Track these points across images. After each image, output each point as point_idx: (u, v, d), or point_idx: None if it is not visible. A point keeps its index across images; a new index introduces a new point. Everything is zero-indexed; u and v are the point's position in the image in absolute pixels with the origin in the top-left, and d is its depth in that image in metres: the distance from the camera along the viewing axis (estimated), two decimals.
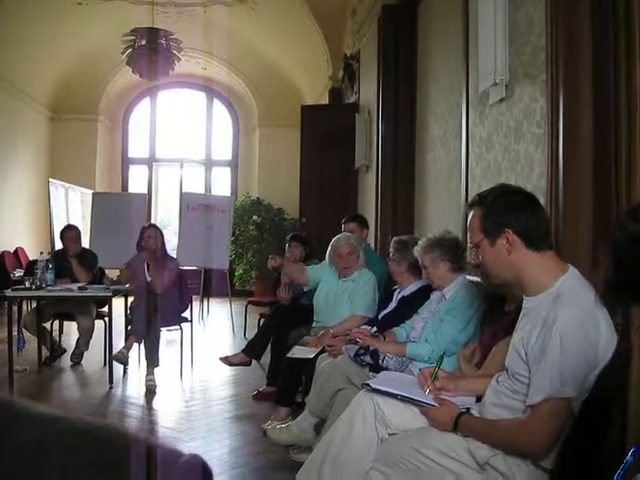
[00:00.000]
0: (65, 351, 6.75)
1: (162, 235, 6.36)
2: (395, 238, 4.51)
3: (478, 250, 2.27)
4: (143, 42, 9.20)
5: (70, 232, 6.73)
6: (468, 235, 2.39)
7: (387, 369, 3.45)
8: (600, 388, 2.04)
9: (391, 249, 4.40)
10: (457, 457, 2.20)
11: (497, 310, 3.05)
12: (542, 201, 3.29)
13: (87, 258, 6.70)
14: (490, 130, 4.22)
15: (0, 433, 0.58)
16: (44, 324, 6.46)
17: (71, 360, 6.56)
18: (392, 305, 4.37)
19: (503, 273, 2.25)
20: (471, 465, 2.18)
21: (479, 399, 2.43)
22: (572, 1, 2.97)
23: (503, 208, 2.22)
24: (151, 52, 9.14)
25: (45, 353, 6.46)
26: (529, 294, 2.20)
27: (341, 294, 4.85)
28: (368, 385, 2.62)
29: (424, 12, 6.37)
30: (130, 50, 9.32)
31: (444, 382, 2.58)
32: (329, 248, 4.97)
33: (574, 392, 1.99)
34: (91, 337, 6.48)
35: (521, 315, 2.24)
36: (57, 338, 6.87)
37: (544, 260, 2.18)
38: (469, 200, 2.43)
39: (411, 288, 4.26)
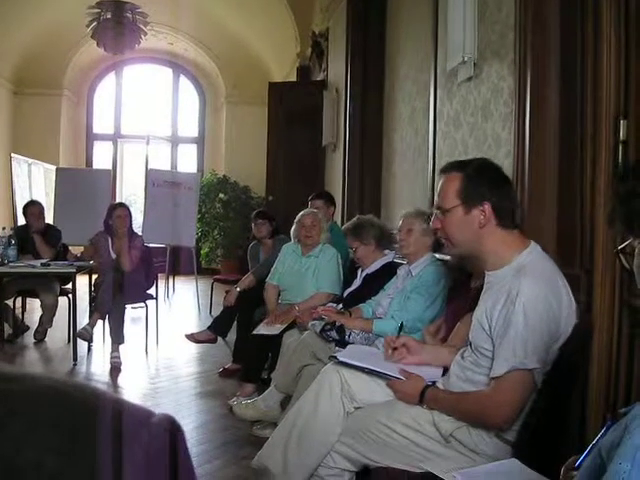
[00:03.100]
0: (28, 328, 6.67)
1: (130, 214, 6.30)
2: (345, 227, 4.48)
3: (445, 214, 2.24)
4: (108, 15, 9.08)
5: (33, 208, 6.63)
6: (435, 199, 2.34)
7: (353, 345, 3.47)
8: (563, 362, 2.08)
9: (350, 237, 4.31)
10: (422, 430, 2.22)
11: (463, 286, 3.08)
12: None
13: (50, 234, 6.62)
14: (458, 108, 4.23)
15: None
16: (7, 301, 6.37)
17: (34, 337, 6.48)
18: (357, 283, 4.39)
19: (466, 243, 2.25)
20: (436, 438, 2.20)
21: (444, 373, 2.46)
22: None
23: (488, 180, 2.22)
24: (116, 26, 9.02)
25: (8, 330, 6.37)
26: (491, 268, 2.22)
27: (305, 271, 4.84)
28: (335, 357, 2.63)
29: None
30: (95, 23, 9.19)
31: (405, 339, 2.61)
32: (295, 222, 4.96)
33: (537, 363, 2.02)
34: (54, 314, 6.42)
35: (484, 289, 2.25)
36: (20, 315, 6.77)
37: (508, 237, 2.20)
38: (445, 165, 2.37)
39: (375, 265, 4.28)
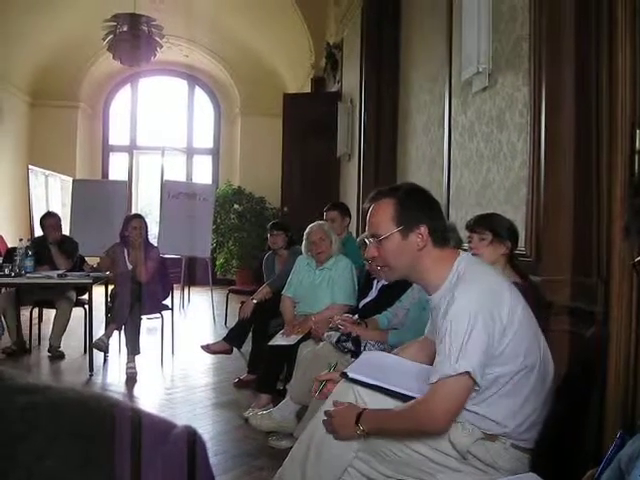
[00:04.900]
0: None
1: (146, 225, 6.33)
2: (360, 239, 4.47)
3: (382, 242, 2.23)
4: (124, 28, 9.11)
5: (50, 219, 6.67)
6: (367, 228, 2.34)
7: None
8: (579, 373, 2.07)
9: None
10: (437, 446, 2.20)
11: None
12: (524, 189, 3.33)
13: (67, 245, 6.64)
14: (472, 118, 4.23)
15: None
16: (22, 311, 6.37)
17: (48, 352, 6.39)
18: (373, 294, 4.38)
19: (405, 267, 2.26)
20: (452, 455, 2.18)
21: None
22: None
23: (420, 203, 2.25)
24: (132, 38, 9.04)
25: (21, 340, 6.35)
26: (432, 290, 2.24)
27: (319, 283, 4.84)
28: (346, 375, 2.61)
29: (408, 0, 6.36)
30: (111, 36, 9.22)
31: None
32: (304, 238, 4.95)
33: (468, 367, 2.00)
34: (65, 327, 6.34)
35: (432, 316, 2.29)
36: (37, 326, 6.77)
37: (443, 253, 2.23)
38: (372, 193, 2.36)
39: None
